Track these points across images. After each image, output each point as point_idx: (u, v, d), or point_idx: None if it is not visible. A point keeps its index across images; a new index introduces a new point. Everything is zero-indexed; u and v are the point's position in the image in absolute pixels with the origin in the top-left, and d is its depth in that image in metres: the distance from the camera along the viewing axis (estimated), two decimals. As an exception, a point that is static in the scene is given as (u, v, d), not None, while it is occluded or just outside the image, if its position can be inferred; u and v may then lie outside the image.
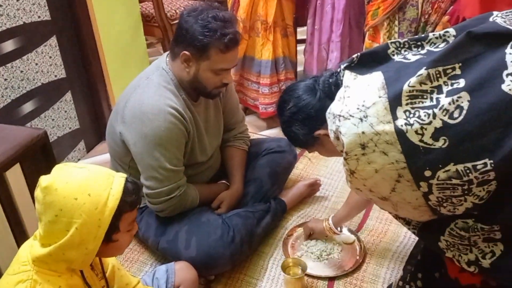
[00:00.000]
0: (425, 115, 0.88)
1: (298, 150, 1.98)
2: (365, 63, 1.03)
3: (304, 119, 1.15)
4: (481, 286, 1.10)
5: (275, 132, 2.42)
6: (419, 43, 1.02)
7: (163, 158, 1.46)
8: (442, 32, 1.00)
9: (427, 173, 0.89)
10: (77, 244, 0.93)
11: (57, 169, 0.96)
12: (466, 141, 0.87)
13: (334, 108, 1.01)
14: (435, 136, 0.88)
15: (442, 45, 0.98)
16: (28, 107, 1.98)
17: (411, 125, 0.89)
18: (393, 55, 1.02)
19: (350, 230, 1.74)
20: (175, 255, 1.49)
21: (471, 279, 1.10)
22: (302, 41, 2.62)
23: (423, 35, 1.03)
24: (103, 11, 2.25)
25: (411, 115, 0.89)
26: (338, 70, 1.11)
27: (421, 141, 0.88)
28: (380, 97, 0.92)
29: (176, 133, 1.47)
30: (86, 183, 0.93)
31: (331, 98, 1.06)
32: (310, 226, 1.68)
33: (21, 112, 1.95)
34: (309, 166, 2.16)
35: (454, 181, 0.89)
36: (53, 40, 2.06)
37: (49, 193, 0.92)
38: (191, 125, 1.53)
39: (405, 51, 1.02)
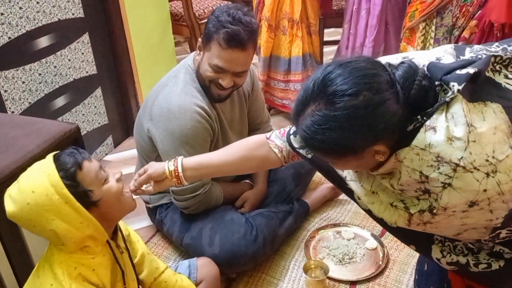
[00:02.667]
0: None
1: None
2: (473, 82, 0.79)
3: (368, 126, 0.79)
4: None
5: (300, 134, 2.41)
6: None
7: (189, 155, 1.47)
8: None
9: None
10: (71, 228, 0.94)
11: (5, 197, 0.97)
12: None
13: (448, 151, 0.76)
14: None
15: None
16: (60, 101, 2.04)
17: None
18: (488, 72, 0.83)
19: (373, 235, 1.73)
20: (199, 251, 1.51)
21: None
22: (329, 43, 2.60)
23: None
24: (134, 9, 2.30)
25: None
26: (431, 83, 0.82)
27: None
28: (511, 147, 0.76)
29: (201, 131, 1.49)
30: (24, 187, 0.94)
31: (415, 108, 0.80)
32: None
33: (54, 106, 2.01)
34: (333, 168, 2.15)
35: None
36: (85, 37, 2.11)
37: (15, 218, 0.95)
38: (216, 124, 1.55)
39: (500, 68, 0.84)
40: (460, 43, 1.77)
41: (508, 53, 0.86)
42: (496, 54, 0.84)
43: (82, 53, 2.12)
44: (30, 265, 1.28)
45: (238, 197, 1.70)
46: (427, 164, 0.78)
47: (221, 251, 1.47)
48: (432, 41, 1.84)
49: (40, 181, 0.93)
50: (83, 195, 0.95)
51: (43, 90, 1.93)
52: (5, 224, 1.19)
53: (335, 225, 1.80)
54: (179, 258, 1.69)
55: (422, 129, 0.78)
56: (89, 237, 0.98)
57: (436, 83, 0.81)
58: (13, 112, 1.79)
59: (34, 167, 0.98)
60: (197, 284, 1.37)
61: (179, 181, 1.17)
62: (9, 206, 0.94)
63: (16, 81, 1.79)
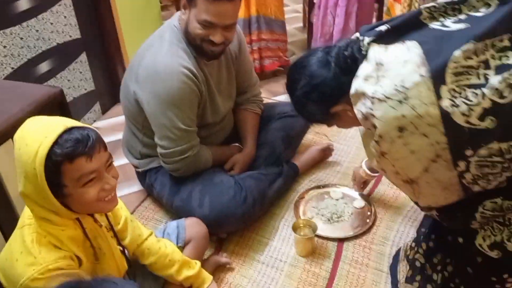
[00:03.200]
0: (473, 95, 0.82)
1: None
2: (395, 33, 0.92)
3: (319, 98, 1.07)
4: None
5: (289, 97, 2.41)
6: (457, 6, 0.92)
7: (176, 118, 1.47)
8: None
9: (468, 152, 0.85)
10: (37, 195, 0.91)
11: (26, 121, 0.95)
12: None
13: (365, 88, 0.91)
14: (482, 116, 0.82)
15: (483, 9, 0.88)
16: (44, 67, 1.99)
17: (458, 106, 0.82)
18: (425, 20, 0.92)
19: (361, 195, 1.75)
20: (189, 213, 1.52)
21: None
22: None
23: None
24: (117, -29, 2.23)
25: (457, 95, 0.82)
26: (354, 39, 1.01)
27: (467, 122, 0.83)
28: (421, 75, 0.84)
29: (188, 92, 1.47)
30: (27, 133, 0.91)
31: (346, 73, 1.00)
32: (357, 175, 1.70)
33: (38, 72, 1.97)
34: (322, 131, 2.16)
35: (495, 158, 0.85)
36: (67, 0, 2.05)
37: (14, 144, 0.93)
38: (204, 85, 1.53)
39: (440, 16, 0.92)
40: None
41: (440, 1, 0.94)
42: (428, 5, 0.93)
43: (65, 17, 2.06)
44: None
45: (227, 160, 1.70)
46: (360, 102, 0.95)
47: (211, 212, 1.49)
48: None
49: (35, 142, 0.89)
50: (55, 184, 0.91)
51: (26, 55, 1.88)
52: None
53: (324, 186, 1.82)
54: (170, 220, 1.70)
55: (353, 80, 0.97)
56: (52, 212, 0.95)
57: (360, 37, 0.98)
58: (-5, 77, 1.76)
59: (46, 123, 0.92)
60: (185, 244, 1.40)
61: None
62: (17, 133, 0.93)
63: (-3, 46, 1.74)
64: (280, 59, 2.61)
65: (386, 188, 1.80)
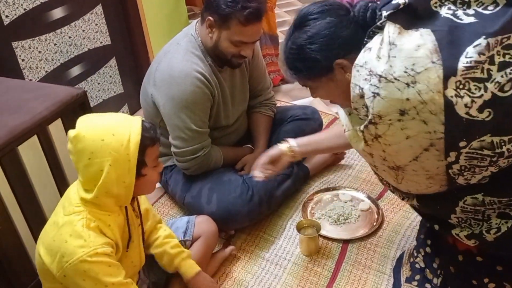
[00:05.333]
0: (475, 88, 0.83)
1: (323, 119, 2.01)
2: (409, 14, 0.90)
3: (329, 41, 0.99)
4: (477, 251, 1.11)
5: (308, 101, 2.45)
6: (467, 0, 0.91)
7: (189, 119, 1.56)
8: None
9: (462, 144, 0.87)
10: (115, 180, 1.06)
11: (81, 120, 1.09)
12: (510, 114, 0.84)
13: (374, 65, 0.89)
14: (481, 108, 0.84)
15: (491, 7, 0.89)
16: (75, 71, 2.15)
17: (461, 97, 0.83)
18: (436, 7, 0.91)
19: (370, 198, 1.77)
20: (198, 209, 1.61)
21: (468, 245, 1.11)
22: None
23: None
24: (146, -19, 2.37)
25: (461, 86, 0.84)
26: (373, 6, 0.98)
27: (467, 113, 0.84)
28: (433, 62, 0.84)
29: (201, 96, 1.56)
30: (108, 126, 1.07)
31: (364, 28, 0.96)
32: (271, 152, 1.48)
33: (70, 75, 2.12)
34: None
35: (485, 151, 0.87)
36: (98, 9, 2.20)
37: (79, 141, 1.06)
38: (217, 90, 1.62)
39: (448, 3, 0.91)
40: None
41: None
42: None
43: (96, 24, 2.21)
44: (42, 217, 1.42)
45: (239, 161, 1.78)
46: (363, 78, 0.92)
47: (218, 209, 1.57)
48: None
49: (124, 131, 1.06)
50: (140, 165, 1.08)
51: (59, 60, 2.04)
52: (18, 179, 1.32)
53: (334, 188, 1.85)
54: (183, 216, 1.80)
55: (362, 50, 0.94)
56: (115, 197, 1.09)
57: (378, 12, 0.95)
58: (30, 79, 1.92)
59: (124, 117, 1.11)
60: (194, 239, 1.48)
61: (294, 156, 1.44)
62: (83, 130, 1.06)
63: (33, 51, 1.90)
64: (280, 73, 2.65)
65: (396, 192, 1.81)
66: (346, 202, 1.77)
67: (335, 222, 1.70)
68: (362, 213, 1.73)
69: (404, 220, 1.69)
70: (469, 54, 0.83)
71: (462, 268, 1.14)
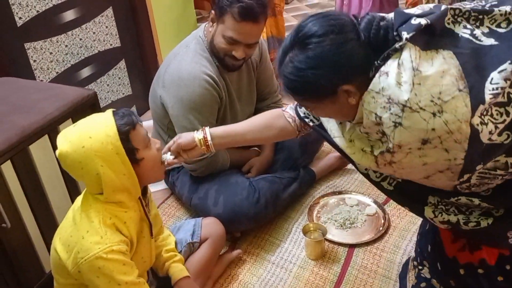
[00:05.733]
0: (497, 114, 0.82)
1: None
2: (427, 33, 0.85)
3: (334, 66, 0.88)
4: (478, 264, 1.11)
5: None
6: (480, 16, 0.88)
7: (197, 121, 1.57)
8: (509, 10, 0.87)
9: (478, 167, 0.85)
10: (114, 176, 1.07)
11: (59, 137, 1.09)
12: None
13: (397, 93, 0.82)
14: (501, 132, 0.82)
15: (504, 24, 0.87)
16: (86, 72, 2.18)
17: (486, 124, 0.81)
18: (449, 24, 0.87)
19: (376, 202, 1.77)
20: (205, 211, 1.62)
21: (469, 257, 1.11)
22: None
23: (487, 8, 0.88)
24: (156, -16, 2.39)
25: (485, 112, 0.81)
26: (385, 25, 0.88)
27: (489, 139, 0.82)
28: (460, 90, 0.80)
29: (209, 98, 1.57)
30: (83, 131, 1.06)
31: (375, 50, 0.88)
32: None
33: (80, 76, 2.15)
34: (344, 139, 2.20)
35: (498, 171, 0.86)
36: (109, 11, 2.23)
37: (65, 157, 1.07)
38: (224, 92, 1.63)
39: (462, 20, 0.88)
40: None
41: (467, 5, 0.89)
42: (454, 7, 0.88)
43: (106, 27, 2.24)
44: (51, 215, 1.43)
45: (245, 163, 1.79)
46: (381, 106, 0.85)
47: (224, 211, 1.57)
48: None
49: (98, 130, 1.06)
50: (130, 151, 1.08)
51: (70, 61, 2.07)
52: (28, 178, 1.33)
53: (340, 193, 1.85)
54: (189, 218, 1.81)
55: (377, 74, 0.86)
56: (125, 190, 1.10)
57: (395, 33, 0.86)
58: (41, 80, 1.94)
59: (94, 117, 1.12)
60: (202, 241, 1.49)
61: (208, 149, 1.27)
62: (63, 146, 1.06)
63: (44, 52, 1.93)
64: None
65: (403, 197, 1.81)
66: (352, 207, 1.77)
67: (341, 226, 1.70)
68: (368, 217, 1.73)
69: (410, 226, 1.69)
70: (495, 80, 0.81)
71: (463, 282, 1.13)
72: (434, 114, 0.81)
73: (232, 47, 1.52)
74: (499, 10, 0.87)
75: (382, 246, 1.62)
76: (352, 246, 1.62)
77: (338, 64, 0.88)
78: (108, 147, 1.05)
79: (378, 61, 0.87)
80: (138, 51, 2.48)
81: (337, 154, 1.97)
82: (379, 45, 0.87)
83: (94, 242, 1.06)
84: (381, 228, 1.67)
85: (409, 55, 0.83)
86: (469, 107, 0.80)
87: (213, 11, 1.53)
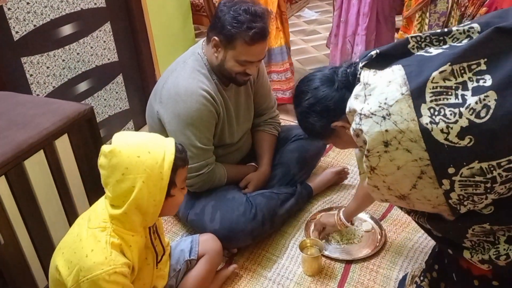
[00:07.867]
0: (451, 114, 0.87)
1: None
2: (385, 58, 1.00)
3: (322, 111, 1.14)
4: (492, 276, 1.10)
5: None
6: (441, 37, 0.99)
7: (194, 137, 1.57)
8: (466, 27, 0.97)
9: (451, 170, 0.89)
10: (146, 197, 1.08)
11: (117, 136, 1.11)
12: (492, 140, 0.85)
13: (355, 106, 0.98)
14: (461, 135, 0.86)
15: (465, 41, 0.95)
16: (83, 86, 2.17)
17: (437, 123, 0.87)
18: (413, 49, 1.00)
19: (373, 218, 1.77)
20: (201, 227, 1.61)
21: (483, 269, 1.11)
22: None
23: (446, 30, 0.99)
24: (155, 0, 2.41)
25: (436, 113, 0.88)
26: (357, 61, 1.09)
27: (446, 139, 0.87)
28: (402, 94, 0.91)
29: (206, 114, 1.58)
30: (144, 143, 1.09)
31: (350, 89, 1.05)
32: (322, 222, 1.70)
33: (77, 91, 2.15)
34: (340, 155, 2.20)
35: (477, 178, 0.88)
36: (107, 26, 2.24)
37: (114, 156, 1.07)
38: (222, 108, 1.63)
39: (426, 45, 1.00)
40: None
41: (425, 32, 1.03)
42: (414, 35, 1.02)
43: (104, 41, 2.24)
44: (45, 231, 1.42)
45: (242, 179, 1.78)
46: (352, 120, 1.01)
47: (220, 227, 1.56)
48: (426, 27, 1.85)
49: (158, 150, 1.09)
50: (170, 184, 1.11)
51: (67, 75, 2.07)
52: (23, 194, 1.32)
53: (337, 208, 1.84)
54: (186, 234, 1.80)
55: (349, 99, 1.04)
56: (144, 214, 1.10)
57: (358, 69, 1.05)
58: (38, 95, 1.94)
59: (158, 137, 1.15)
60: (198, 257, 1.47)
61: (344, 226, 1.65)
62: (120, 145, 1.07)
63: (41, 66, 1.93)
64: (285, 92, 2.61)
65: (399, 213, 1.81)
66: (339, 230, 1.76)
67: (338, 242, 1.69)
68: (365, 233, 1.72)
69: (407, 242, 1.68)
70: (435, 79, 0.89)
71: None
72: (384, 117, 0.92)
73: (245, 67, 1.56)
74: (457, 29, 0.98)
75: (379, 262, 1.61)
76: (348, 262, 1.61)
77: (321, 110, 1.15)
78: (159, 170, 1.07)
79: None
80: (136, 66, 2.49)
81: (334, 169, 1.98)
82: (351, 84, 1.07)
83: (98, 262, 1.05)
84: (377, 244, 1.66)
85: (363, 76, 1.00)
86: (412, 108, 0.90)
87: (216, 38, 1.52)
